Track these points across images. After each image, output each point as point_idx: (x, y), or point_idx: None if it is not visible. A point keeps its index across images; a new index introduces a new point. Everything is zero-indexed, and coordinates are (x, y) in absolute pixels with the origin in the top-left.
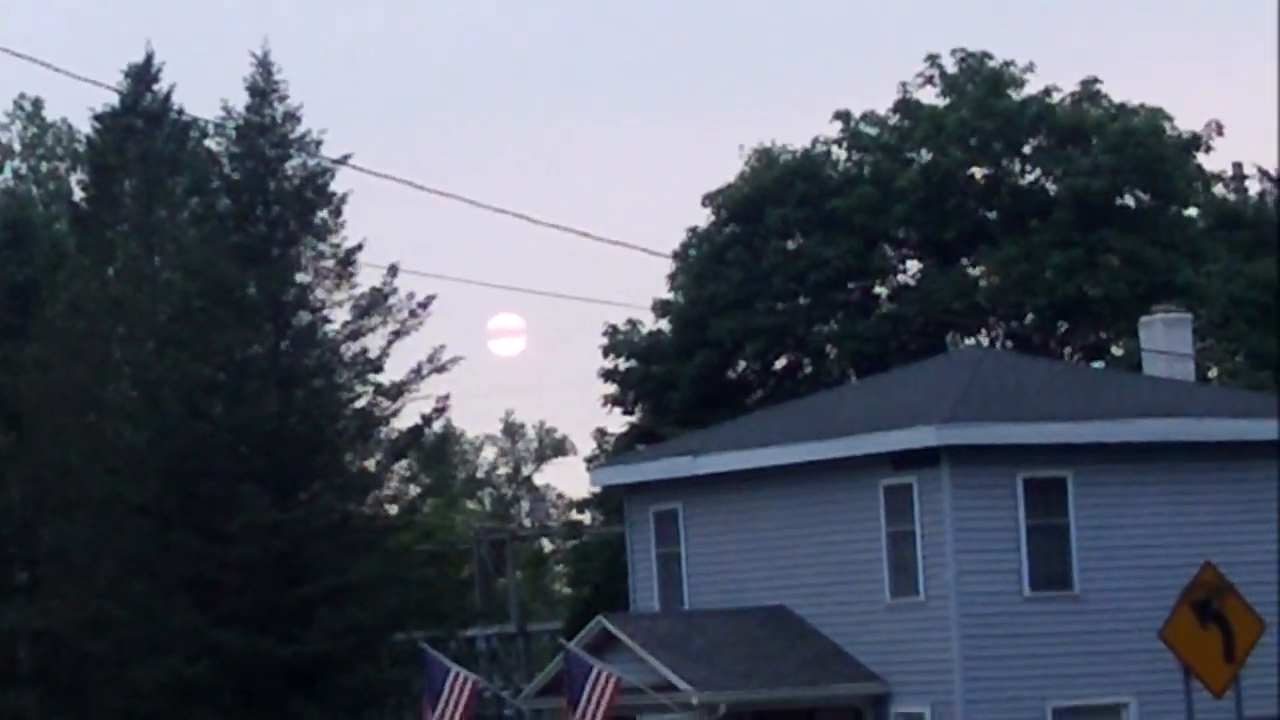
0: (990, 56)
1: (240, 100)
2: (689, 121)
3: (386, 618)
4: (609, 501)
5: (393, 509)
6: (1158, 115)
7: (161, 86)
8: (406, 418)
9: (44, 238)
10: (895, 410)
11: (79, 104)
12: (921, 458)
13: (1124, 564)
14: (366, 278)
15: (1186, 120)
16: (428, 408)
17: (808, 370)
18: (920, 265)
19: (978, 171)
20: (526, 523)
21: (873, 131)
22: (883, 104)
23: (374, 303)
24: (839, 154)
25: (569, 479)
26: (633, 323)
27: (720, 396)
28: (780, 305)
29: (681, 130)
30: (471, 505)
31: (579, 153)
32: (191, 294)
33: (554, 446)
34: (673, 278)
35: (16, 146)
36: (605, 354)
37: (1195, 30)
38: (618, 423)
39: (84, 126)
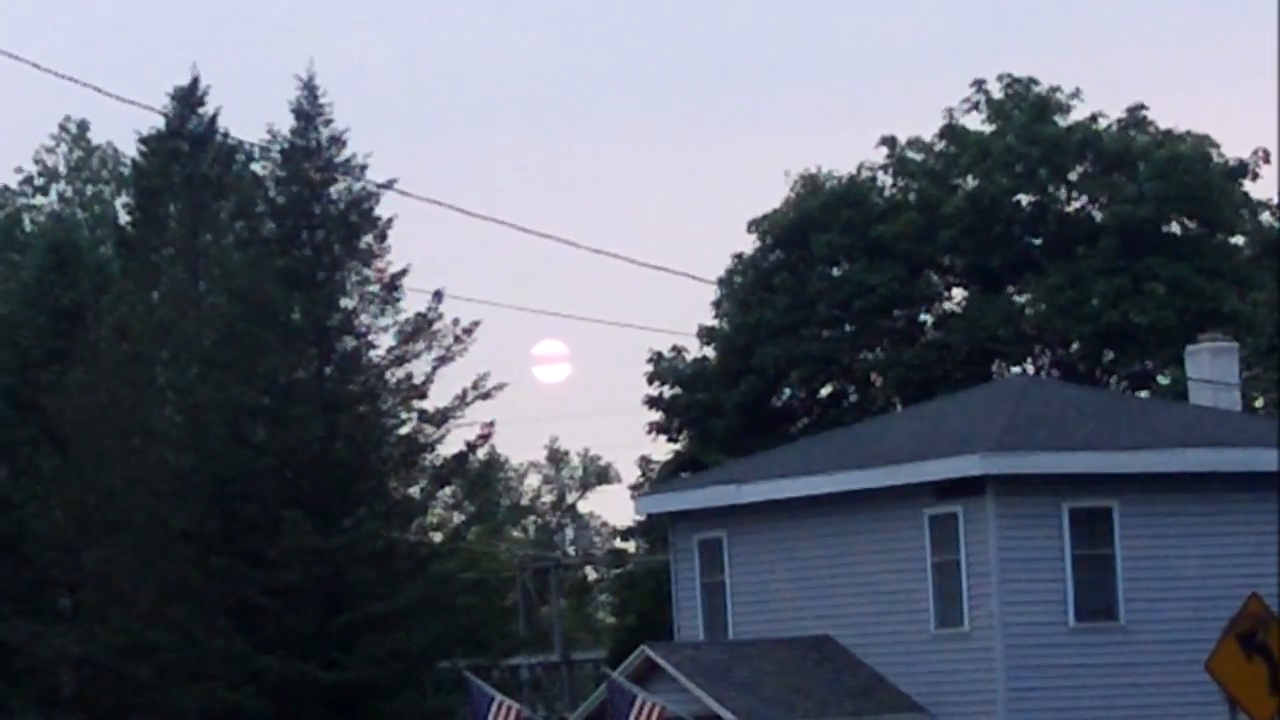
0: (1036, 82)
1: (285, 123)
2: (735, 147)
3: (430, 645)
4: (653, 530)
5: (437, 536)
6: (1204, 142)
7: (207, 110)
8: (451, 444)
9: (89, 261)
10: (940, 439)
11: (124, 127)
12: (966, 487)
13: (1170, 595)
14: (411, 303)
15: (1233, 148)
16: (472, 434)
17: (853, 398)
18: (966, 292)
19: (1023, 198)
20: (570, 551)
21: (918, 158)
22: (928, 130)
23: (419, 328)
24: (885, 180)
25: (613, 507)
26: (678, 349)
27: (765, 424)
28: (825, 332)
29: (727, 156)
30: (515, 533)
31: (625, 178)
32: (236, 318)
33: (598, 474)
34: (718, 304)
35: (62, 169)
36: (650, 381)
37: (1242, 58)
38: (662, 450)
39: (129, 149)
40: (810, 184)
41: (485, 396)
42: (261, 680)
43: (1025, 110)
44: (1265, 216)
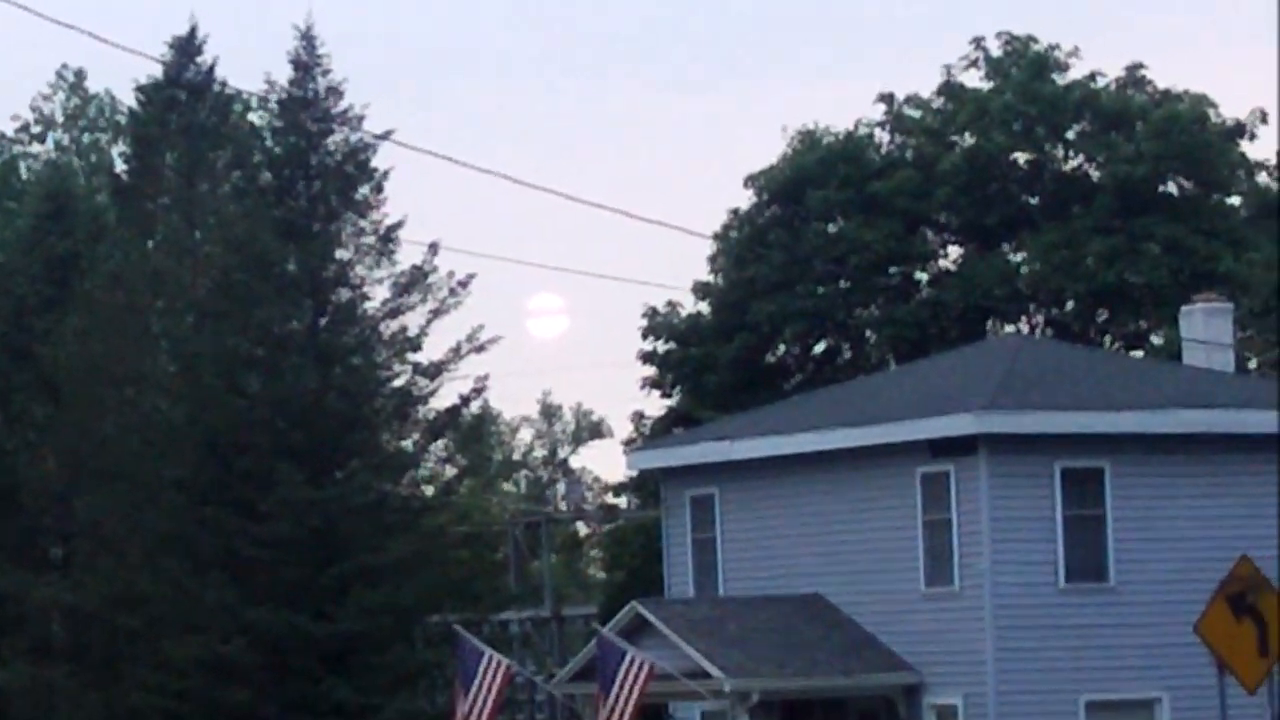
0: (1035, 40)
1: (283, 74)
2: (732, 102)
3: (421, 598)
4: (645, 485)
5: (429, 489)
6: (1202, 102)
7: (205, 59)
8: (444, 397)
9: (85, 209)
10: (934, 397)
11: (122, 75)
12: (959, 445)
13: (1160, 556)
14: (407, 255)
15: (1231, 108)
16: (466, 388)
17: (847, 355)
18: (961, 250)
19: (1020, 156)
20: (562, 505)
21: (916, 114)
22: (926, 87)
23: (414, 280)
24: (882, 137)
25: (605, 462)
26: (672, 304)
27: (758, 380)
28: (820, 289)
29: (724, 111)
30: (507, 487)
31: (621, 132)
32: (231, 268)
33: (591, 429)
34: (713, 259)
35: (59, 117)
36: (644, 336)
37: (1241, 17)
38: (655, 405)
39: (126, 98)
40: (807, 139)
41: (479, 350)
42: (252, 631)
43: (1024, 68)
44: (1262, 177)
